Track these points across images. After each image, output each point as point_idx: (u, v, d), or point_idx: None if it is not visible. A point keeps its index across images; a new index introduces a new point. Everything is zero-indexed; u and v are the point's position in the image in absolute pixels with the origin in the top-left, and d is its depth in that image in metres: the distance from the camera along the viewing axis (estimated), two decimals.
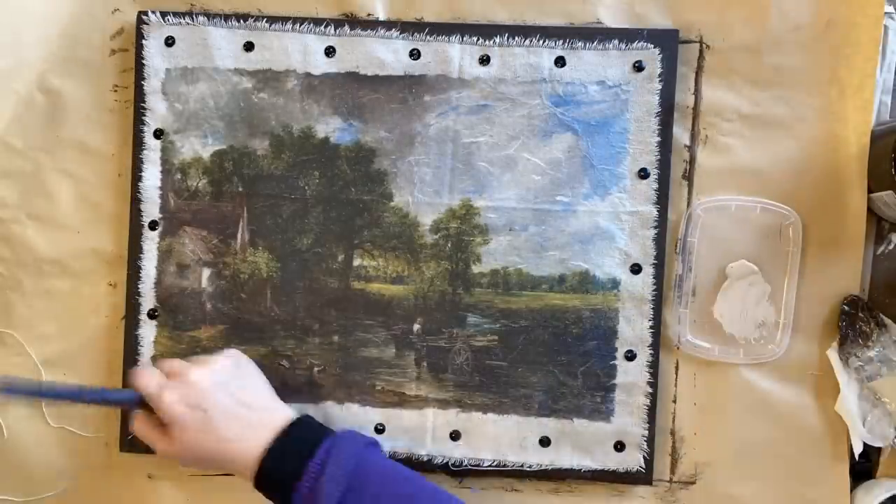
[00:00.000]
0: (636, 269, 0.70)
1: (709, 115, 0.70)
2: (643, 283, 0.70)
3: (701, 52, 0.70)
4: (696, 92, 0.70)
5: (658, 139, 0.69)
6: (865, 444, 0.69)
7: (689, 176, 0.71)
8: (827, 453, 0.70)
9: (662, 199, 0.70)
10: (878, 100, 0.69)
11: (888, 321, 0.69)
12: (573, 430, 0.71)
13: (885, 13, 0.68)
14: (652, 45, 0.69)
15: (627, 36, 0.69)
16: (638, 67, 0.69)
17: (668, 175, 0.70)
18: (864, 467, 0.71)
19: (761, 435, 0.70)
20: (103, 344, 0.74)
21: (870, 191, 0.68)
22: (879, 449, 0.70)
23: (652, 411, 0.70)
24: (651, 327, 0.70)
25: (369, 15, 0.72)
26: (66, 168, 0.74)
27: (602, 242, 0.70)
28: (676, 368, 0.71)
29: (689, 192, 0.71)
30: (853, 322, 0.68)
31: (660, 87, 0.69)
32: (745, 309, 0.70)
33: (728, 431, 0.71)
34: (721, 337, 0.70)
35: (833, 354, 0.69)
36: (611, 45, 0.69)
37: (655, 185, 0.70)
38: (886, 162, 0.64)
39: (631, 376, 0.70)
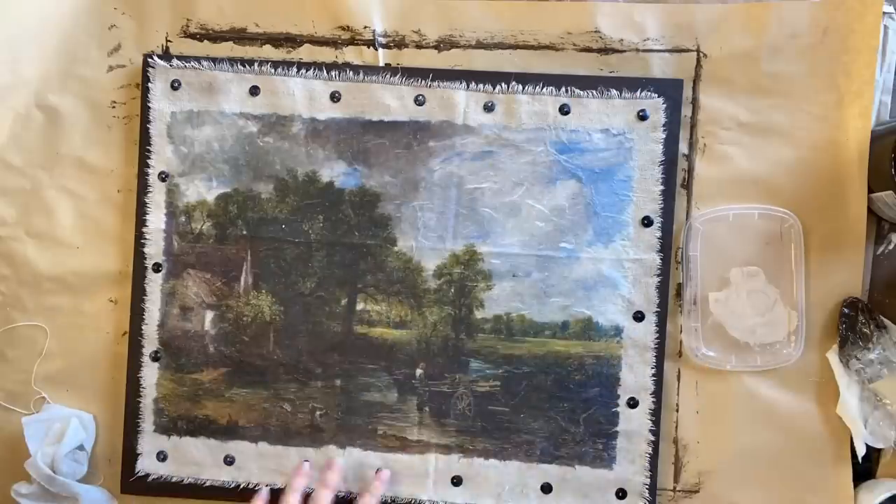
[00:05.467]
0: (639, 316, 0.70)
1: (707, 123, 0.71)
2: (646, 331, 0.70)
3: (698, 60, 0.70)
4: (694, 101, 0.70)
5: (661, 188, 0.70)
6: (866, 445, 0.69)
7: (688, 185, 0.71)
8: (829, 457, 0.70)
9: (666, 248, 0.70)
10: (878, 100, 0.70)
11: (888, 322, 0.69)
12: (575, 477, 0.71)
13: (885, 13, 0.68)
14: (656, 95, 0.69)
15: (632, 85, 0.69)
16: (642, 116, 0.69)
17: (672, 223, 0.70)
18: (864, 468, 0.71)
19: (763, 441, 0.70)
20: (105, 360, 0.75)
21: (870, 191, 0.69)
22: (879, 449, 0.70)
23: (654, 459, 0.70)
24: (653, 374, 0.70)
25: (366, 27, 0.72)
26: (66, 185, 0.74)
27: (605, 289, 0.71)
28: (678, 377, 0.71)
29: (689, 201, 0.71)
30: (853, 324, 0.68)
31: (664, 136, 0.69)
32: (756, 316, 0.70)
33: (730, 439, 0.71)
34: (735, 346, 0.70)
35: (833, 357, 0.69)
36: (615, 94, 0.70)
37: (659, 233, 0.70)
38: (886, 162, 0.64)
39: (633, 424, 0.70)
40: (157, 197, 0.73)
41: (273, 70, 0.72)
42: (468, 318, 0.71)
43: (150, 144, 0.73)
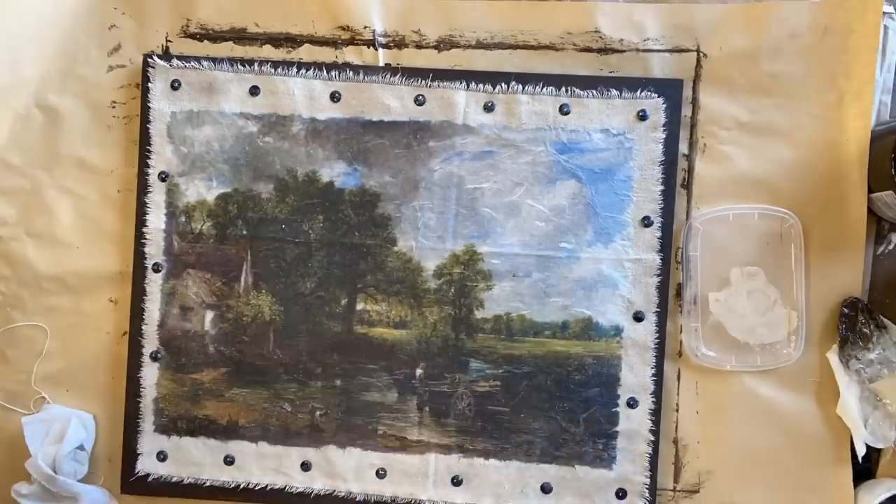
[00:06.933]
0: (639, 316, 0.70)
1: (707, 123, 0.71)
2: (646, 331, 0.70)
3: (698, 60, 0.70)
4: (694, 101, 0.71)
5: (661, 188, 0.70)
6: (866, 445, 0.69)
7: (687, 185, 0.71)
8: (829, 457, 0.70)
9: (666, 248, 0.70)
10: (878, 100, 0.70)
11: (888, 322, 0.69)
12: (575, 477, 0.71)
13: (885, 13, 0.68)
14: (656, 95, 0.69)
15: (632, 85, 0.69)
16: (642, 116, 0.69)
17: (672, 223, 0.70)
18: (864, 468, 0.71)
19: (763, 441, 0.70)
20: (105, 360, 0.75)
21: (870, 191, 0.69)
22: (879, 449, 0.70)
23: (654, 459, 0.70)
24: (653, 374, 0.70)
25: (366, 27, 0.72)
26: (65, 185, 0.74)
27: (605, 289, 0.71)
28: (678, 377, 0.71)
29: (689, 201, 0.71)
30: (853, 324, 0.68)
31: (664, 136, 0.69)
32: (756, 316, 0.70)
33: (730, 439, 0.71)
34: (735, 346, 0.70)
35: (833, 357, 0.69)
36: (615, 94, 0.70)
37: (659, 234, 0.70)
38: (886, 162, 0.64)
39: (633, 423, 0.70)
40: (157, 197, 0.73)
41: (273, 70, 0.72)
42: (468, 318, 0.71)
43: (150, 144, 0.73)
